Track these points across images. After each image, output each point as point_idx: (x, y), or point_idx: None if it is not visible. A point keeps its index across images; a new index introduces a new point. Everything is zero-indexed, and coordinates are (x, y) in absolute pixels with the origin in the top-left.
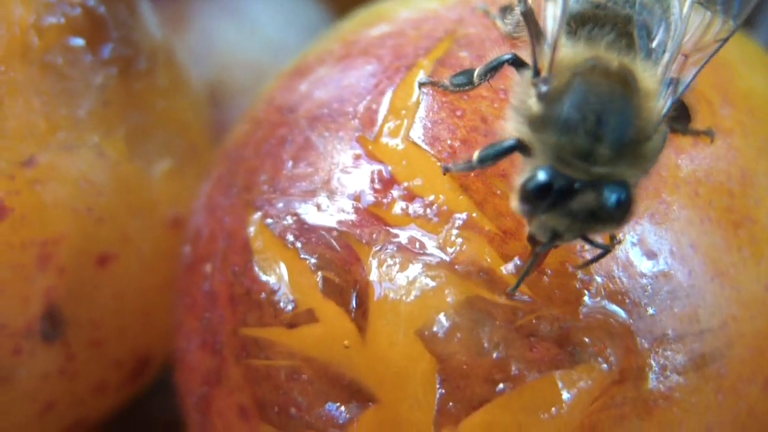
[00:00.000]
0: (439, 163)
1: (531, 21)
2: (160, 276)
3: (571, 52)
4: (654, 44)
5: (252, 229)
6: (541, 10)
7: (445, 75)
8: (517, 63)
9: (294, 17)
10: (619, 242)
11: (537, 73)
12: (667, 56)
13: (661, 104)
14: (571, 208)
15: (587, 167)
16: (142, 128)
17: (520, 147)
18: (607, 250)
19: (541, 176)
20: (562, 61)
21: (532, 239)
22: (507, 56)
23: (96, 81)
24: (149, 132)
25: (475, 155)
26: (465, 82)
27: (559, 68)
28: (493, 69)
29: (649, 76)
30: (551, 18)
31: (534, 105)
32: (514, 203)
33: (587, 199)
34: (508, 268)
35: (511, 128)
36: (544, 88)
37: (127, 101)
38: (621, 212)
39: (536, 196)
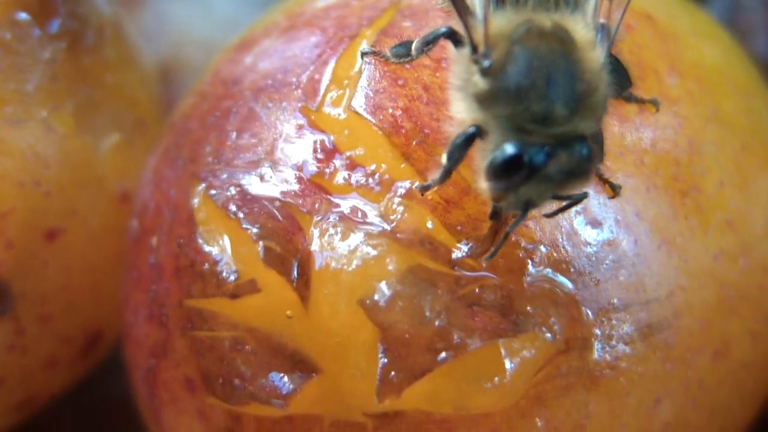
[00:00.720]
0: (380, 132)
1: None
2: (109, 251)
3: (502, 20)
4: None
5: (196, 201)
6: None
7: (389, 45)
8: (453, 37)
9: None
10: (620, 188)
11: (474, 48)
12: (592, 3)
13: (598, 52)
14: (548, 173)
15: (546, 130)
16: (90, 103)
17: (480, 131)
18: (584, 195)
19: (510, 149)
20: (495, 31)
21: (495, 215)
22: (443, 29)
23: (44, 55)
24: (98, 106)
25: (443, 158)
26: (404, 53)
27: (495, 39)
28: (430, 42)
29: (581, 27)
30: None
31: (479, 81)
32: (483, 185)
33: (561, 159)
34: (462, 250)
35: (459, 109)
36: (486, 63)
37: (76, 76)
38: (592, 164)
39: (509, 171)
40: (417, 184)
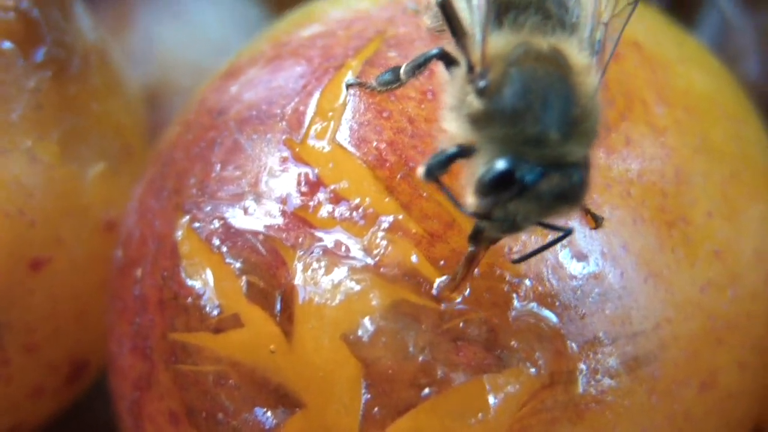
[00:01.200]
0: (364, 165)
1: (450, 14)
2: (94, 280)
3: (499, 41)
4: (574, 19)
5: (180, 233)
6: (456, 1)
7: (374, 75)
8: (445, 58)
9: (237, 18)
10: (602, 219)
11: (470, 68)
12: (588, 28)
13: (593, 77)
14: (538, 192)
15: (538, 152)
16: (76, 131)
17: (464, 150)
18: (569, 231)
19: (502, 164)
20: (492, 52)
21: (476, 237)
22: (434, 51)
23: (29, 85)
24: (83, 135)
25: (420, 170)
26: (392, 80)
27: (492, 60)
28: (421, 65)
29: (577, 52)
30: (475, 9)
31: (474, 101)
32: (470, 200)
33: (553, 180)
34: (442, 280)
35: (452, 129)
36: (482, 83)
37: (61, 104)
38: (584, 189)
39: (500, 185)
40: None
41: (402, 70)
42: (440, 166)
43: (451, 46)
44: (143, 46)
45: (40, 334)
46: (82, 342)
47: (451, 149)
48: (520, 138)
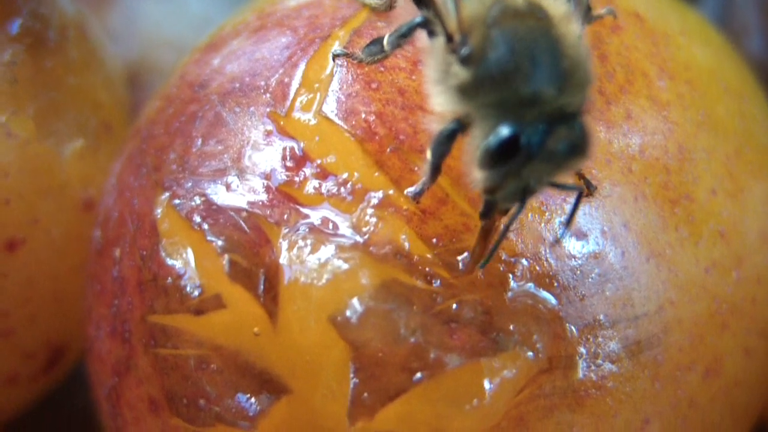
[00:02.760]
0: (352, 138)
1: None
2: (72, 262)
3: (473, 3)
4: None
5: (159, 211)
6: None
7: (362, 46)
8: (427, 26)
9: None
10: (596, 188)
11: (449, 37)
12: None
13: (575, 24)
14: (548, 150)
15: (535, 111)
16: (52, 106)
17: (462, 124)
18: (585, 189)
19: (505, 131)
20: (469, 16)
21: (488, 211)
22: (418, 19)
23: (3, 57)
24: (60, 110)
25: (427, 154)
26: (377, 50)
27: (470, 25)
28: (404, 35)
29: (552, 1)
30: None
31: (459, 71)
32: (478, 175)
33: (561, 134)
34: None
35: (440, 102)
36: (464, 51)
37: (37, 78)
38: (590, 137)
39: (507, 153)
40: (408, 189)
41: (385, 41)
42: (443, 148)
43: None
44: (124, 23)
45: (15, 318)
46: (59, 327)
47: (449, 126)
48: (514, 100)
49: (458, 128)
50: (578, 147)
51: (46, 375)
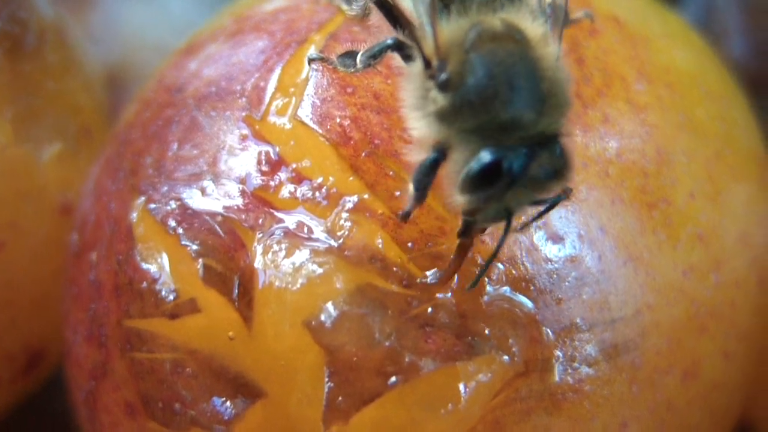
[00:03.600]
0: (327, 143)
1: (386, 8)
2: (51, 266)
3: (450, 27)
4: None
5: (135, 215)
6: None
7: (339, 50)
8: (401, 48)
9: None
10: (571, 190)
11: (426, 63)
12: None
13: (553, 46)
14: (530, 174)
15: (516, 135)
16: (30, 110)
17: (442, 152)
18: (563, 197)
19: (486, 156)
20: (446, 40)
21: (466, 231)
22: (389, 41)
23: None
24: (38, 114)
25: (410, 186)
26: (351, 63)
27: (447, 49)
28: (375, 56)
29: (530, 22)
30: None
31: (438, 97)
32: (459, 199)
33: (543, 158)
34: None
35: (418, 127)
36: (443, 77)
37: (14, 82)
38: (570, 160)
39: (489, 179)
40: (399, 213)
41: (358, 58)
42: (425, 178)
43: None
44: (105, 26)
45: None
46: (38, 331)
47: (430, 156)
48: (494, 125)
49: (440, 158)
50: (559, 172)
51: (25, 378)
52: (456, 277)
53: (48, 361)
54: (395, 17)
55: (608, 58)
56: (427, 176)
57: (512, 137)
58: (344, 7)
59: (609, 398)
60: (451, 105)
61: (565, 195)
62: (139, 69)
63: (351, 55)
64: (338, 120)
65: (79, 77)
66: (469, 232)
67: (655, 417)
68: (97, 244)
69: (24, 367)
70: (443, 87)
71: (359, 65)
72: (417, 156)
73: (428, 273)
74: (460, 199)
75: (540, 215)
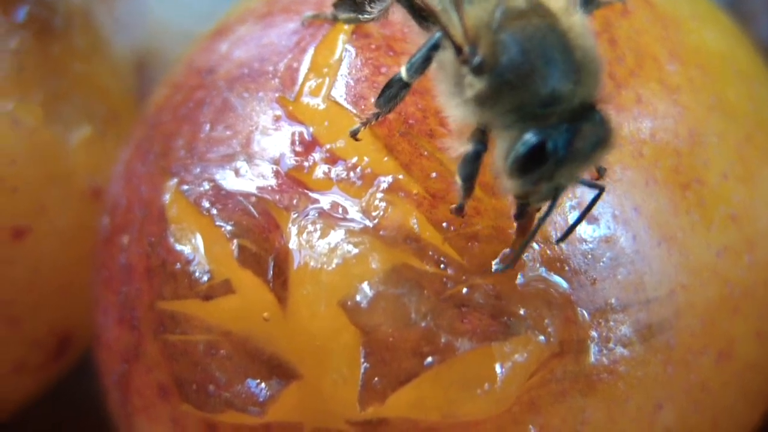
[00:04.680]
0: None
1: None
2: (79, 250)
3: (475, 11)
4: None
5: (167, 197)
6: None
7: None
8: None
9: None
10: (605, 170)
11: (458, 50)
12: None
13: (577, 14)
14: (576, 149)
15: (556, 110)
16: (59, 93)
17: (483, 140)
18: (602, 188)
19: (532, 139)
20: (473, 24)
21: (522, 213)
22: (436, 36)
23: (10, 45)
24: (67, 97)
25: (456, 178)
26: (396, 91)
27: (476, 33)
28: (426, 61)
29: None
30: None
31: (474, 82)
32: (509, 184)
33: (585, 132)
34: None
35: (457, 115)
36: (477, 60)
37: (44, 66)
38: (613, 131)
39: (537, 160)
40: (452, 207)
41: (404, 73)
42: (470, 170)
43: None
44: (130, 13)
45: (22, 306)
46: (67, 315)
47: (472, 148)
48: (534, 102)
49: (481, 149)
50: (604, 140)
51: (54, 364)
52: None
53: (76, 347)
54: (417, 10)
55: (640, 38)
56: (472, 168)
57: (553, 113)
58: (358, 16)
59: (643, 379)
60: (488, 87)
61: (599, 174)
62: (164, 55)
63: (391, 84)
64: (372, 100)
65: (106, 60)
66: (524, 214)
67: (690, 398)
68: (128, 227)
69: (53, 353)
70: (478, 71)
71: (409, 80)
72: (458, 147)
73: (493, 262)
74: (510, 184)
75: (581, 217)
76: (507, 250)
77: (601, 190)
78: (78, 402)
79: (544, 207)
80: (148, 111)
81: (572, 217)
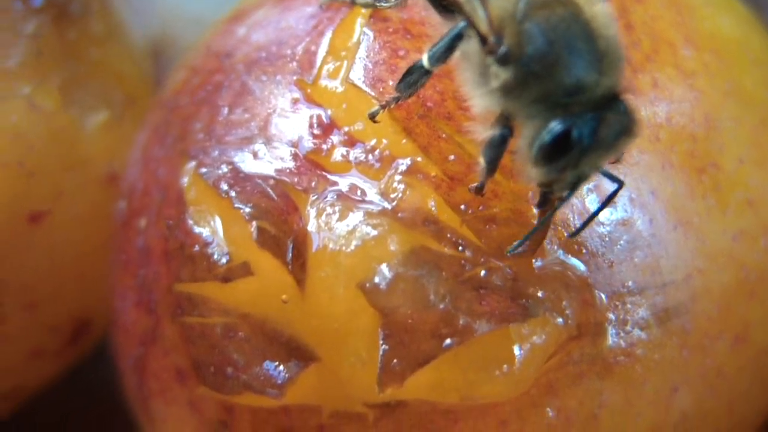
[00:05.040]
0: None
1: None
2: (96, 235)
3: (498, 1)
4: None
5: (185, 179)
6: None
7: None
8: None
9: None
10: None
11: (483, 40)
12: None
13: (600, 4)
14: (600, 138)
15: (580, 99)
16: (76, 78)
17: (510, 126)
18: (621, 182)
19: (557, 127)
20: (497, 15)
21: (544, 201)
22: (461, 26)
23: (27, 30)
24: (84, 82)
25: (480, 160)
26: (416, 78)
27: (500, 24)
28: (449, 48)
29: None
30: None
31: (500, 72)
32: (533, 172)
33: (610, 121)
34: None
35: (482, 105)
36: (502, 50)
37: (61, 50)
38: (637, 120)
39: (562, 149)
40: (471, 186)
41: (425, 60)
42: (495, 153)
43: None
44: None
45: (40, 291)
46: (84, 300)
47: (499, 131)
48: (560, 91)
49: (507, 133)
50: (628, 129)
51: (71, 348)
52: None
53: (93, 332)
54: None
55: (655, 23)
56: (497, 151)
57: (578, 102)
58: (375, 3)
59: (660, 363)
60: (514, 77)
61: (622, 183)
62: (179, 41)
63: (411, 71)
64: (390, 83)
65: (123, 46)
66: (547, 202)
67: (706, 383)
68: (146, 211)
69: (70, 338)
70: (504, 61)
71: (431, 67)
72: (482, 131)
73: (509, 248)
74: (535, 173)
75: (597, 212)
76: (517, 242)
77: (620, 184)
78: (92, 389)
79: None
80: (165, 95)
81: (588, 200)
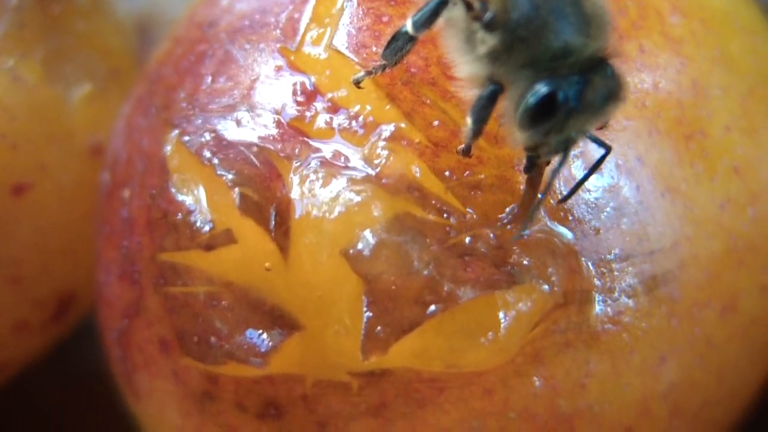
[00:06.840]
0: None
1: None
2: (82, 208)
3: None
4: None
5: (168, 148)
6: None
7: None
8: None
9: None
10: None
11: (468, 6)
12: None
13: None
14: (587, 101)
15: (567, 62)
16: (60, 51)
17: (499, 87)
18: (609, 148)
19: (543, 89)
20: None
21: (531, 166)
22: None
23: (11, 2)
24: (68, 55)
25: (467, 120)
26: (402, 44)
27: None
28: (433, 15)
29: None
30: None
31: (487, 38)
32: (519, 135)
33: (596, 83)
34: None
35: (469, 71)
36: (488, 16)
37: (45, 23)
38: (625, 84)
39: (548, 110)
40: (458, 147)
41: (409, 26)
42: (483, 111)
43: None
44: None
45: (25, 265)
46: (69, 275)
47: (488, 88)
48: (546, 55)
49: (497, 90)
50: (614, 93)
51: (56, 323)
52: (494, 207)
53: (78, 307)
54: None
55: None
56: (485, 109)
57: (565, 65)
58: None
59: (648, 331)
60: (501, 43)
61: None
62: (165, 16)
63: (396, 37)
64: (374, 49)
65: (108, 19)
66: (534, 167)
67: (694, 352)
68: (129, 181)
69: (54, 313)
70: (490, 26)
71: (415, 33)
72: (470, 92)
73: (501, 216)
74: (520, 136)
75: (582, 181)
76: (515, 205)
77: (608, 149)
78: (77, 367)
79: (554, 161)
80: (149, 66)
81: (575, 167)
